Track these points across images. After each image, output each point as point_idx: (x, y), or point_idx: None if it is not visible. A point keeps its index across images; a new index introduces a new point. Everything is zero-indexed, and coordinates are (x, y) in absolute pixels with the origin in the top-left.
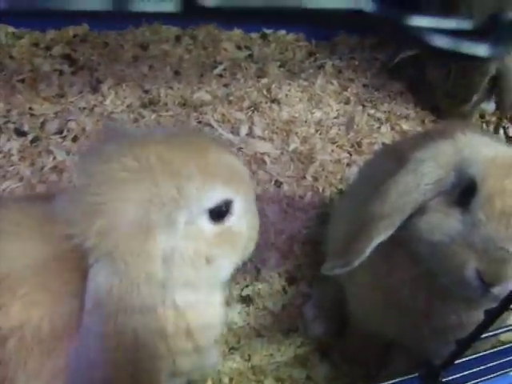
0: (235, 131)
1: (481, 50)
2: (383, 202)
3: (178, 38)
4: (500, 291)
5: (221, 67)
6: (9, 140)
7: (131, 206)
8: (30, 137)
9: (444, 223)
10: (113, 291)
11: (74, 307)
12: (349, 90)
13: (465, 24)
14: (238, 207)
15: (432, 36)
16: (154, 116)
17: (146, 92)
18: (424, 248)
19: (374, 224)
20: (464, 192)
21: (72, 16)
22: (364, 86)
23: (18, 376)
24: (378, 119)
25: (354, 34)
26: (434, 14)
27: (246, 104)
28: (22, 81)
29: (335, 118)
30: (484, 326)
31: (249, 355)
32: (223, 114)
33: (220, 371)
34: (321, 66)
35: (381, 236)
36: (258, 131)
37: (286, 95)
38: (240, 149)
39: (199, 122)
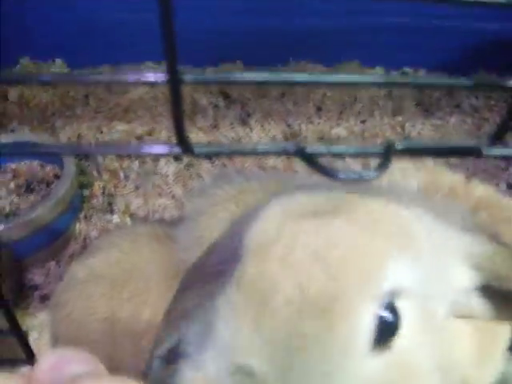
0: (366, 166)
1: None
2: None
3: (322, 83)
4: None
5: (360, 104)
6: (166, 164)
7: None
8: (184, 162)
9: None
10: None
11: None
12: (482, 129)
13: None
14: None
15: None
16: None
17: (289, 126)
18: None
19: None
20: None
21: (228, 54)
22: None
23: None
24: (507, 159)
25: (493, 73)
26: None
27: (379, 140)
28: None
29: None
30: None
31: None
32: None
33: None
34: (457, 105)
35: None
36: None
37: (419, 133)
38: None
39: (334, 156)
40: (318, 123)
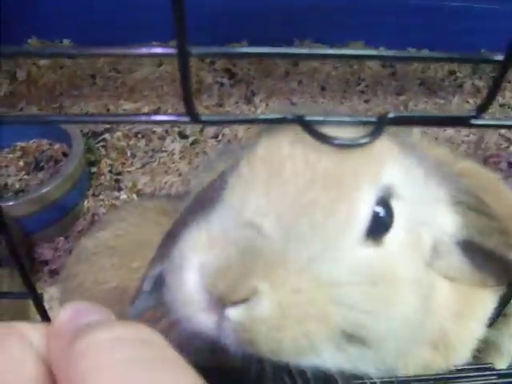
0: None
1: None
2: None
3: (326, 55)
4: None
5: (363, 84)
6: (173, 142)
7: None
8: (190, 139)
9: None
10: None
11: None
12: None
13: None
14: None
15: None
16: None
17: (294, 105)
18: None
19: None
20: None
21: (233, 34)
22: (501, 105)
23: None
24: (508, 139)
25: (498, 53)
26: None
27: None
28: None
29: (466, 135)
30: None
31: None
32: None
33: None
34: (460, 85)
35: None
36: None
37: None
38: None
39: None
40: (322, 102)
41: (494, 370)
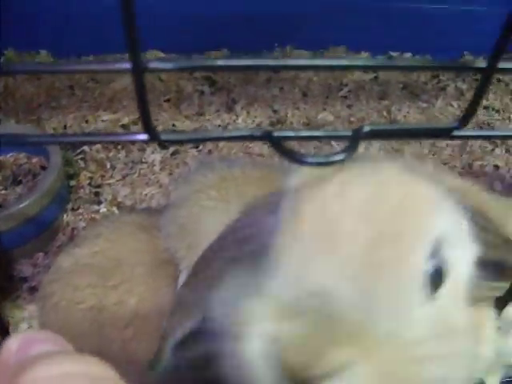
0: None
1: None
2: None
3: (305, 67)
4: None
5: (346, 89)
6: (153, 152)
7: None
8: (170, 150)
9: None
10: None
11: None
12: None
13: None
14: None
15: None
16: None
17: (275, 112)
18: None
19: None
20: None
21: (213, 41)
22: (484, 107)
23: None
24: (493, 142)
25: (480, 56)
26: None
27: (365, 124)
28: (168, 100)
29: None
30: None
31: None
32: None
33: None
34: (443, 88)
35: None
36: (373, 150)
37: (405, 116)
38: None
39: (319, 142)
40: (304, 108)
41: None
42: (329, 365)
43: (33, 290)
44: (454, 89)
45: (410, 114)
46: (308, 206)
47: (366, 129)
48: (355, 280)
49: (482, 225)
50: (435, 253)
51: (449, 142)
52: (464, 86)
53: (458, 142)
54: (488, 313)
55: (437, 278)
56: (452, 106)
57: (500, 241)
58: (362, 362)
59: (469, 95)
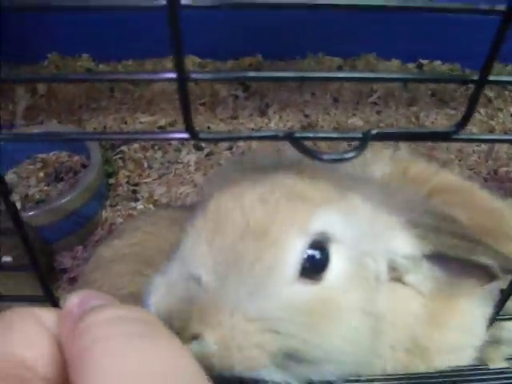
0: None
1: None
2: None
3: (339, 68)
4: None
5: (375, 95)
6: (188, 153)
7: None
8: (205, 151)
9: None
10: None
11: None
12: (495, 119)
13: None
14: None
15: None
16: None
17: (306, 116)
18: None
19: None
20: None
21: (248, 47)
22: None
23: None
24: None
25: (510, 64)
26: None
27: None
28: (203, 104)
29: (477, 145)
30: None
31: None
32: None
33: None
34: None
35: None
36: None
37: (433, 122)
38: None
39: (349, 145)
40: (335, 114)
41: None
42: (188, 333)
43: (72, 280)
44: (482, 96)
45: (437, 120)
46: (210, 203)
47: (374, 132)
48: (216, 267)
49: (437, 225)
50: (314, 245)
51: (475, 148)
52: (491, 94)
53: (484, 148)
54: (461, 304)
55: (315, 266)
56: (480, 113)
57: (464, 241)
58: (210, 333)
59: (496, 103)
